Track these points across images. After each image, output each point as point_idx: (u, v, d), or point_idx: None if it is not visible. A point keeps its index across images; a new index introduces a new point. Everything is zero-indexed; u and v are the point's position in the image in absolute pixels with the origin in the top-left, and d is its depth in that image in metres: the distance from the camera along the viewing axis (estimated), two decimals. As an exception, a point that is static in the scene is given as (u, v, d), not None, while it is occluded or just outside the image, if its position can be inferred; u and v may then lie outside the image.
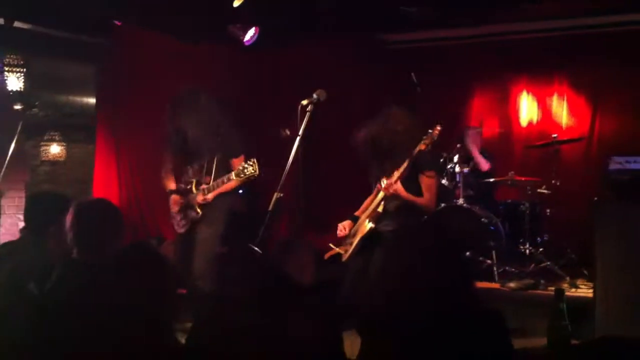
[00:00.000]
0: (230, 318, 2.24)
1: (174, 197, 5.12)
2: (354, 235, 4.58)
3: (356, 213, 4.72)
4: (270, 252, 4.64)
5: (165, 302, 2.12)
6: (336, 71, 7.55)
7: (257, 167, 4.74)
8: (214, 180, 5.02)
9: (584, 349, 1.94)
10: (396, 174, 4.40)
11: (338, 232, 4.68)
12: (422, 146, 4.33)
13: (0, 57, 6.71)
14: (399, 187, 4.39)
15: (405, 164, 4.37)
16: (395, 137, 4.45)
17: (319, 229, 6.62)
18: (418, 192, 4.50)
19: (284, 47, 7.94)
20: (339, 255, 4.66)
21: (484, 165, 7.02)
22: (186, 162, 5.23)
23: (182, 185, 5.18)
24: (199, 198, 4.98)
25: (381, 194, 4.47)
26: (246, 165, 4.77)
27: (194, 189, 5.08)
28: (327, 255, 4.76)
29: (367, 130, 4.57)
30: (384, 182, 4.44)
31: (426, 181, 4.51)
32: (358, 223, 4.62)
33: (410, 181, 4.46)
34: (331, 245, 4.75)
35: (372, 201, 4.60)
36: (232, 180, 4.90)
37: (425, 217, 5.73)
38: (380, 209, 4.47)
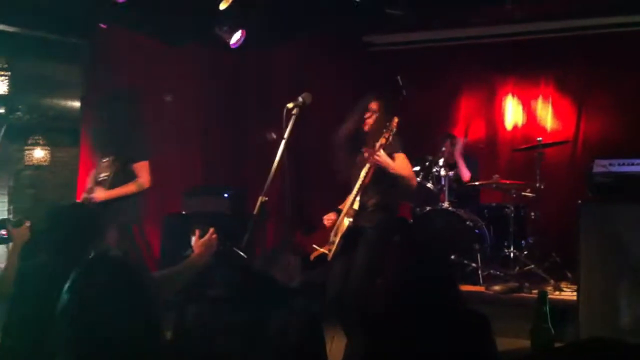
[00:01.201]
0: (212, 319, 2.23)
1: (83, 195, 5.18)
2: (336, 234, 4.59)
3: (340, 206, 4.74)
4: (255, 256, 4.65)
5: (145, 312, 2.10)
6: (321, 74, 7.56)
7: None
8: (110, 182, 5.03)
9: (567, 351, 1.95)
10: (377, 144, 4.41)
11: (325, 223, 4.70)
12: (382, 140, 4.35)
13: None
14: (383, 156, 4.38)
15: (385, 136, 4.38)
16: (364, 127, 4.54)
17: (306, 230, 6.63)
18: (392, 177, 4.52)
19: (268, 50, 7.95)
20: (325, 255, 4.66)
21: (465, 175, 7.06)
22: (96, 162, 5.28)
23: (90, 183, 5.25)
24: (96, 194, 4.99)
25: (355, 191, 4.48)
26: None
27: (92, 186, 5.13)
28: (312, 257, 4.76)
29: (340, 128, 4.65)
30: (367, 154, 4.46)
31: (399, 162, 4.52)
32: (339, 220, 4.62)
33: (382, 171, 4.47)
34: (315, 246, 4.76)
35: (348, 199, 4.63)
36: (131, 184, 5.04)
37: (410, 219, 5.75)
38: (355, 206, 4.48)
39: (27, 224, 3.81)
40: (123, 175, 5.05)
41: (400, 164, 4.50)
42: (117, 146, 5.11)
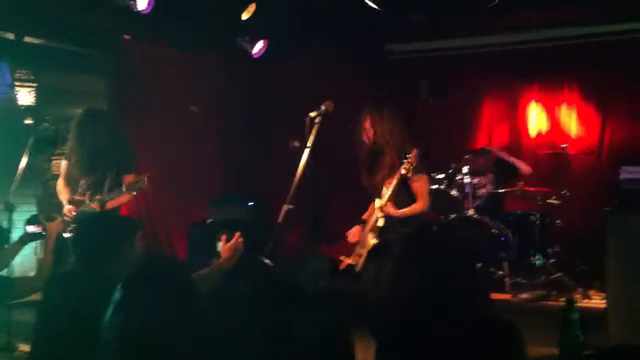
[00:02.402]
0: (240, 326, 2.24)
1: (68, 207, 5.19)
2: (363, 245, 4.58)
3: (363, 217, 4.73)
4: (281, 264, 4.65)
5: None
6: (343, 83, 7.56)
7: (146, 183, 4.83)
8: (107, 194, 5.11)
9: (598, 358, 1.92)
10: (385, 197, 4.44)
11: (348, 239, 4.70)
12: (402, 170, 4.34)
13: (11, 72, 6.75)
14: (390, 210, 4.42)
15: (393, 184, 4.40)
16: (382, 146, 4.52)
17: (329, 239, 6.62)
18: (410, 197, 4.51)
19: (291, 59, 7.97)
20: (353, 265, 4.66)
21: (525, 168, 6.99)
22: (81, 175, 5.32)
23: (77, 197, 5.26)
24: (95, 207, 5.07)
25: (378, 205, 4.49)
26: (138, 180, 4.87)
27: (87, 200, 5.14)
28: (341, 267, 4.77)
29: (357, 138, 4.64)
30: (377, 203, 4.48)
31: (415, 186, 4.54)
32: (364, 232, 4.62)
33: (401, 191, 4.47)
34: (342, 258, 4.76)
35: (374, 209, 4.62)
36: (125, 194, 5.04)
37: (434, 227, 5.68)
38: (379, 224, 4.47)
39: (59, 218, 4.03)
40: (117, 187, 5.15)
41: (418, 189, 4.50)
42: (116, 161, 5.24)
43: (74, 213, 5.14)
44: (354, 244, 4.72)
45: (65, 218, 5.15)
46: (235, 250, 3.37)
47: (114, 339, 2.01)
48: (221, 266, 3.32)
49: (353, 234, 4.70)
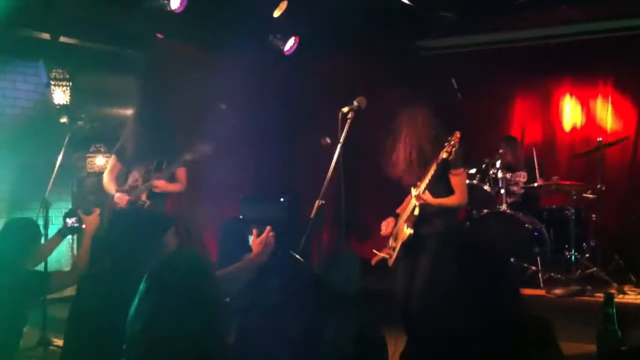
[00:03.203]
0: (272, 324, 2.25)
1: (119, 195, 5.25)
2: (396, 238, 4.56)
3: (397, 210, 4.71)
4: (313, 261, 4.65)
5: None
6: (374, 79, 7.55)
7: None
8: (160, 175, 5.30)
9: (636, 353, 1.90)
10: (423, 184, 4.39)
11: (382, 230, 4.68)
12: (444, 154, 4.29)
13: (47, 72, 6.87)
14: (427, 197, 4.38)
15: (431, 172, 4.36)
16: (420, 143, 4.46)
17: (361, 235, 6.62)
18: (448, 190, 4.48)
19: (323, 55, 7.98)
20: (385, 259, 4.64)
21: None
22: (132, 168, 5.41)
23: (126, 187, 5.37)
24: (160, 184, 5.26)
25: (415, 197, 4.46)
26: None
27: (140, 184, 5.31)
28: (373, 261, 4.75)
29: (393, 135, 4.59)
30: (414, 192, 4.45)
31: (454, 180, 4.48)
32: (398, 225, 4.60)
33: (439, 182, 4.43)
34: (375, 251, 4.75)
35: (409, 202, 4.59)
36: (177, 184, 5.32)
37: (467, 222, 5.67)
38: (416, 212, 4.44)
39: (97, 210, 4.07)
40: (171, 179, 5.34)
41: (456, 183, 4.46)
42: (165, 151, 5.33)
43: (126, 199, 5.22)
44: (386, 239, 4.70)
45: (118, 207, 5.24)
46: (267, 244, 3.37)
47: (138, 330, 2.05)
48: (252, 261, 3.33)
49: (387, 224, 4.68)
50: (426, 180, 4.38)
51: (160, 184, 5.26)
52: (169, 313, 2.01)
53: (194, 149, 5.27)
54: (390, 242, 4.64)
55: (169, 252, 2.92)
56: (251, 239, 3.44)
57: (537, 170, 6.82)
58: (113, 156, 5.56)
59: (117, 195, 5.26)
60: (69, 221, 4.15)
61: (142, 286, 2.09)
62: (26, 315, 3.96)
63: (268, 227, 3.45)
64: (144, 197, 5.26)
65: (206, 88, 7.14)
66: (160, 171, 5.30)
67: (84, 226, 4.07)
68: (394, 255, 4.52)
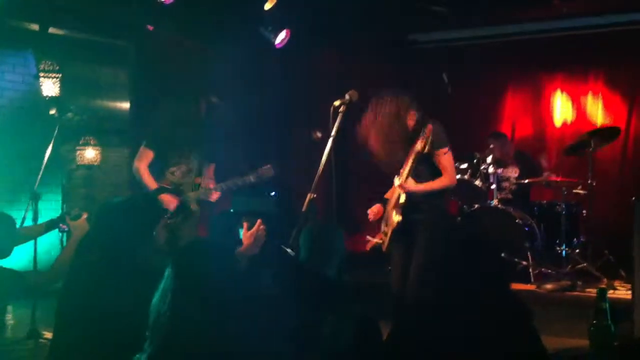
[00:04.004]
0: (265, 318, 2.25)
1: (167, 196, 5.10)
2: (387, 223, 4.54)
3: (386, 195, 4.69)
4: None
5: None
6: (366, 73, 7.54)
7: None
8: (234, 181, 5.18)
9: (628, 348, 1.90)
10: (404, 173, 4.36)
11: (369, 217, 4.66)
12: (418, 147, 4.25)
13: (36, 63, 6.82)
14: (410, 185, 4.34)
15: (409, 164, 4.32)
16: (392, 131, 4.44)
17: (353, 229, 6.60)
18: (434, 172, 4.45)
19: (314, 48, 7.96)
20: (379, 246, 4.62)
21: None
22: (169, 164, 5.19)
23: (167, 186, 5.15)
24: (214, 196, 5.14)
25: (397, 182, 4.43)
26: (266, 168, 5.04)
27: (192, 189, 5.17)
28: (368, 247, 4.73)
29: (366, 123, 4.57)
30: (397, 181, 4.42)
31: (441, 160, 4.43)
32: (387, 210, 4.57)
33: (423, 164, 4.39)
34: (368, 237, 4.73)
35: (394, 189, 4.56)
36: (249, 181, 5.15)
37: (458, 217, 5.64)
38: (402, 200, 4.40)
39: (85, 215, 3.91)
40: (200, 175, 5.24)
41: (443, 163, 4.42)
42: (198, 149, 5.22)
43: (175, 203, 5.06)
44: (378, 225, 4.68)
45: (170, 209, 5.08)
46: (257, 237, 3.37)
47: (164, 316, 2.04)
48: (243, 254, 3.32)
49: (373, 212, 4.66)
50: (407, 170, 4.34)
51: (217, 196, 5.18)
52: (196, 298, 2.01)
53: (260, 172, 5.17)
54: (382, 227, 4.62)
55: (164, 243, 2.92)
56: (242, 232, 3.43)
57: (531, 165, 6.86)
58: (148, 150, 5.23)
59: (166, 196, 5.07)
60: (62, 227, 4.10)
61: (167, 272, 2.08)
62: (4, 309, 3.88)
63: (259, 220, 3.45)
64: (194, 206, 5.17)
65: (196, 80, 7.10)
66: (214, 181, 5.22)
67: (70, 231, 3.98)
68: (387, 240, 4.50)
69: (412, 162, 4.32)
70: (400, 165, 4.46)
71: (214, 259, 2.15)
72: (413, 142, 4.35)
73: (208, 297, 2.03)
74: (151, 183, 5.11)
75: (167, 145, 5.13)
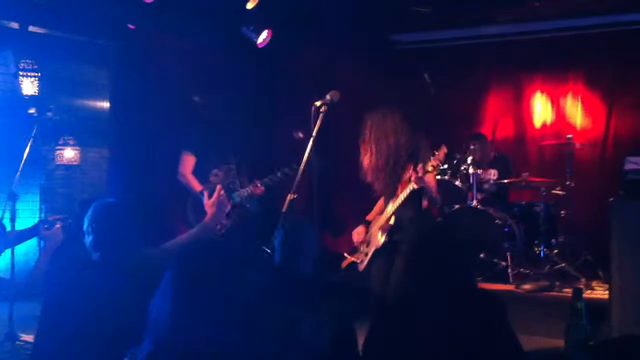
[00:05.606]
0: (242, 318, 2.25)
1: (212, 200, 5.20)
2: (368, 245, 4.51)
3: (368, 217, 4.67)
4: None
5: None
6: (348, 73, 7.55)
7: None
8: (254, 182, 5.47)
9: (603, 348, 1.93)
10: (423, 170, 4.20)
11: (354, 239, 4.62)
12: (429, 168, 4.16)
13: (15, 62, 6.75)
14: (431, 180, 4.26)
15: (433, 164, 4.20)
16: (389, 151, 4.38)
17: (335, 230, 6.62)
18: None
19: (296, 48, 7.95)
20: (355, 263, 4.60)
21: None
22: (207, 164, 5.41)
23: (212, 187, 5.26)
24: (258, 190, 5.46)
25: (391, 207, 4.35)
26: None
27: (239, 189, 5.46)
28: (344, 264, 4.72)
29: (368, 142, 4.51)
30: (390, 207, 4.33)
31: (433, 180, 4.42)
32: (371, 232, 4.55)
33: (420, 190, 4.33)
34: (346, 255, 4.71)
35: (382, 209, 4.53)
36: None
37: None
38: (391, 222, 4.36)
39: (58, 225, 3.86)
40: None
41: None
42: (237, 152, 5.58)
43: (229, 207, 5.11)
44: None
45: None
46: (219, 204, 3.36)
47: (165, 315, 2.03)
48: (207, 224, 3.31)
49: (358, 233, 4.62)
50: (432, 165, 4.18)
51: (260, 191, 5.47)
52: (199, 298, 2.00)
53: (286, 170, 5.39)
54: (362, 247, 4.57)
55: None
56: (203, 201, 3.45)
57: (508, 168, 6.91)
58: (189, 154, 5.49)
59: (211, 203, 5.15)
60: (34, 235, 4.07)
61: (169, 272, 2.07)
62: None
63: (218, 186, 3.50)
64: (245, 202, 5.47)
65: (179, 79, 7.07)
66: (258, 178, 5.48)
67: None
68: (366, 261, 4.47)
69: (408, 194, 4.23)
70: (394, 188, 4.40)
71: (220, 260, 2.14)
72: (406, 161, 4.30)
73: (210, 298, 2.02)
74: (198, 187, 5.34)
75: (207, 148, 5.27)
